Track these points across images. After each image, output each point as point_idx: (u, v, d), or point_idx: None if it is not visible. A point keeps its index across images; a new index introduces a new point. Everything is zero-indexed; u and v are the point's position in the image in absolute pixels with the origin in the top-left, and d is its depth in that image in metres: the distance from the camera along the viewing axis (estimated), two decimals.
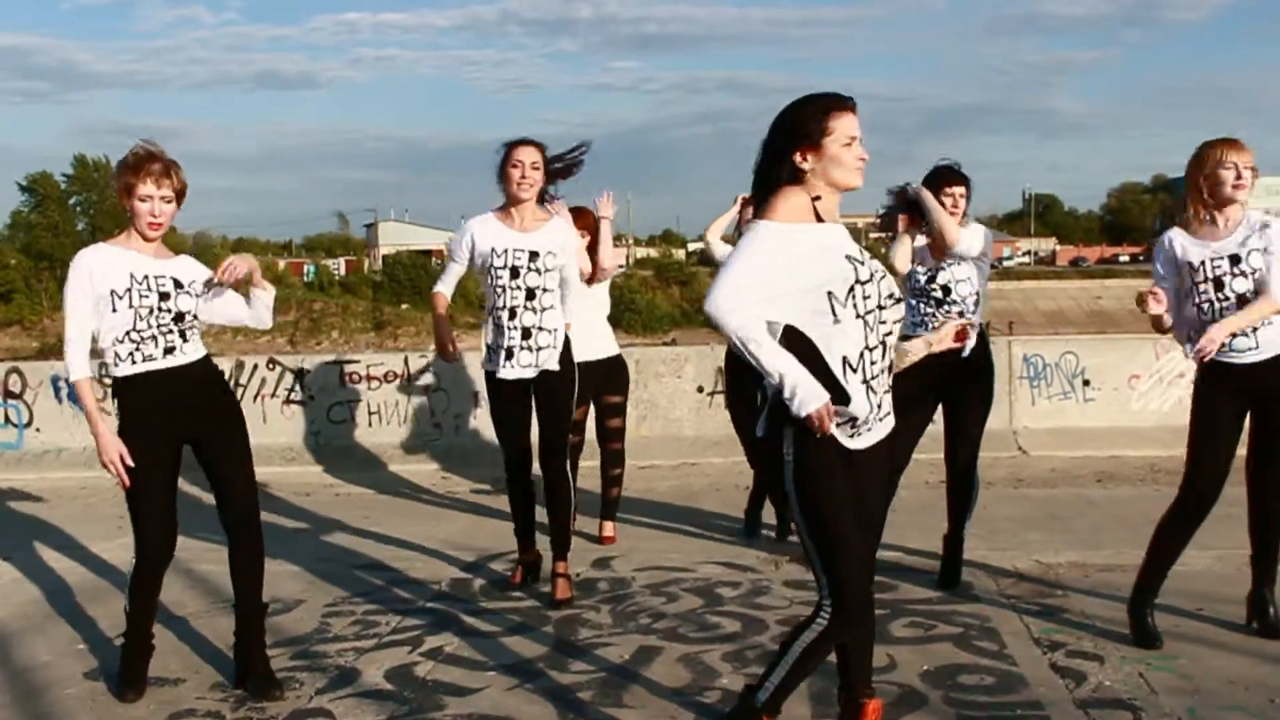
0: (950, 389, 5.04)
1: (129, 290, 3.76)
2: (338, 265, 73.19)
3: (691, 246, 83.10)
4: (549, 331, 4.89)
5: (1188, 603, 4.61)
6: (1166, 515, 4.35)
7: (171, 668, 4.27)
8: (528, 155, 4.81)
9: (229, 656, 4.37)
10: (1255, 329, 4.17)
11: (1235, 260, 4.14)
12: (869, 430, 3.03)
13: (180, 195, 3.86)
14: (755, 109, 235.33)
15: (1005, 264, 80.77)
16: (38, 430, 9.06)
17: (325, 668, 4.21)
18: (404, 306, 57.10)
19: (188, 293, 3.88)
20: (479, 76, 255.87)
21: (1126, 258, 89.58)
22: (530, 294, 4.83)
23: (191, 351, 3.90)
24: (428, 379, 8.97)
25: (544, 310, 4.88)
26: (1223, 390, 4.28)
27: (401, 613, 4.88)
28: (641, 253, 79.33)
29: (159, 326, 3.81)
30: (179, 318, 3.85)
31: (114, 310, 3.77)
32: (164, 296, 3.81)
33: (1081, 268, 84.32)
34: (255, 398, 9.00)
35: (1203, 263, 4.18)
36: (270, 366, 9.15)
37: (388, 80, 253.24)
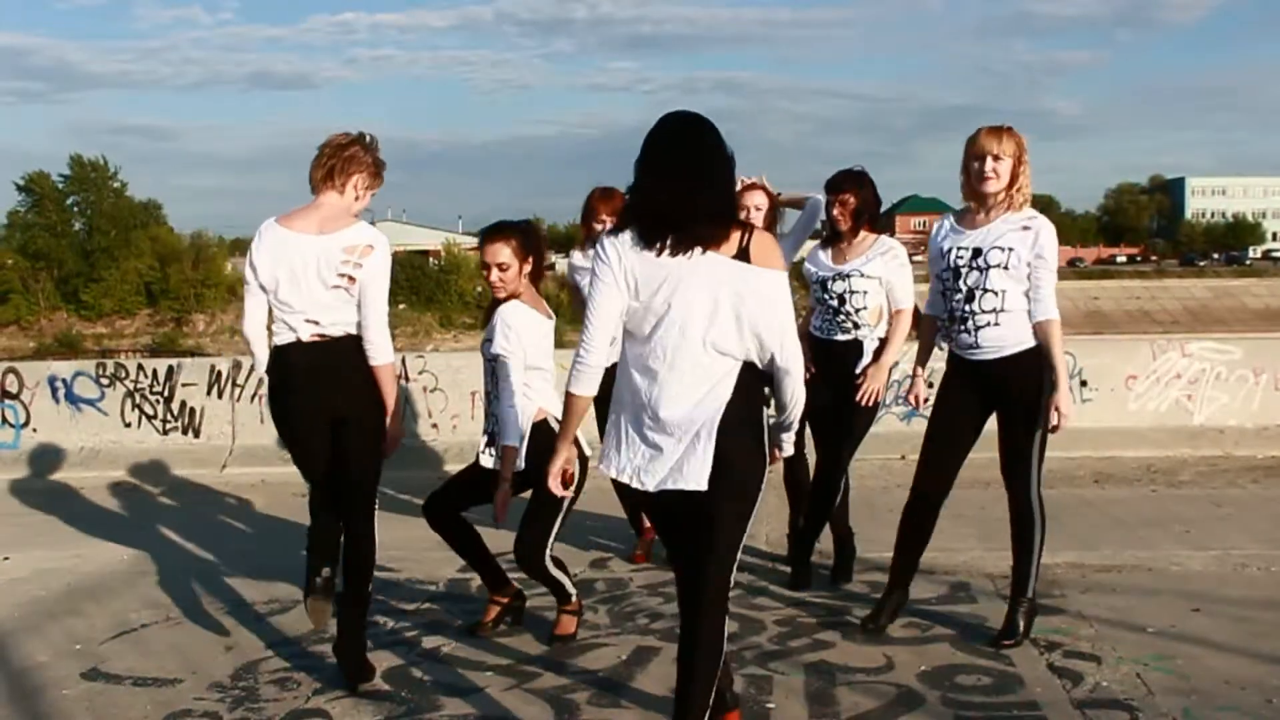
0: (842, 401, 5.07)
1: None
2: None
3: None
4: None
5: (1184, 603, 4.62)
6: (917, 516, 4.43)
7: (169, 668, 4.27)
8: (494, 256, 4.31)
9: (226, 656, 4.38)
10: (978, 328, 4.14)
11: (976, 254, 4.14)
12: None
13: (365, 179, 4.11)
14: (751, 109, 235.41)
15: None
16: (34, 430, 9.04)
17: (323, 668, 4.21)
18: (401, 306, 57.01)
19: None
20: (475, 77, 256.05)
21: (1124, 258, 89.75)
22: None
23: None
24: (425, 380, 8.97)
25: None
26: (959, 387, 4.29)
27: (399, 613, 4.88)
28: None
29: None
30: None
31: None
32: None
33: (1078, 268, 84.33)
34: (253, 398, 8.98)
35: (949, 250, 4.19)
36: None
37: (384, 81, 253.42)
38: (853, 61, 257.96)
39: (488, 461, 4.38)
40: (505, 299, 4.34)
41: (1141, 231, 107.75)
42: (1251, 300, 68.75)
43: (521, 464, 4.25)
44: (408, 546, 6.08)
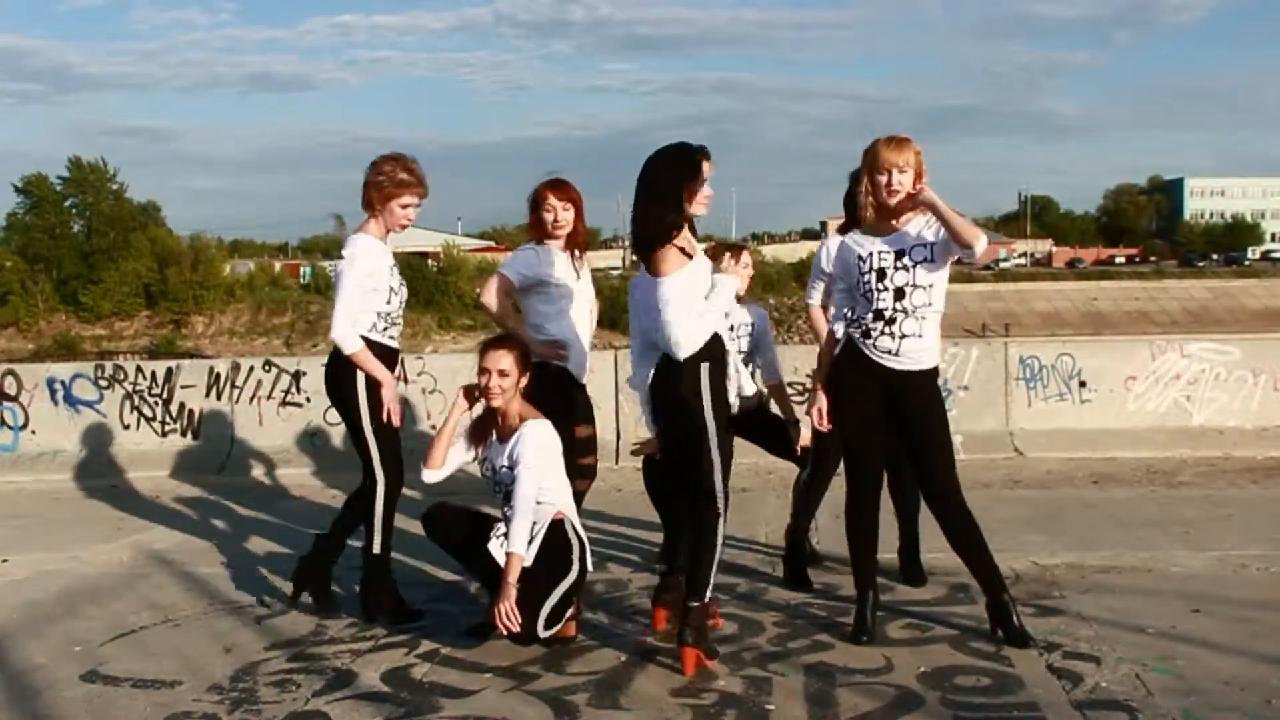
0: None
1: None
2: (335, 267, 73.06)
3: None
4: None
5: (1184, 603, 4.62)
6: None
7: (168, 669, 4.26)
8: (497, 362, 4.41)
9: (226, 658, 4.38)
10: (904, 335, 4.20)
11: (899, 254, 4.20)
12: None
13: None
14: (749, 111, 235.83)
15: (1002, 266, 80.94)
16: (33, 433, 9.04)
17: (322, 670, 4.21)
18: None
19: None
20: (473, 79, 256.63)
21: (1123, 259, 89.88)
22: None
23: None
24: (424, 381, 8.98)
25: None
26: (860, 388, 4.32)
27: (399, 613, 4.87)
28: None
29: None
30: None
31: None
32: None
33: (1078, 269, 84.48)
34: (251, 399, 9.00)
35: (870, 254, 4.23)
36: (266, 368, 9.15)
37: (382, 82, 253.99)
38: (852, 62, 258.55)
39: (496, 550, 4.36)
40: (501, 409, 4.43)
41: (1140, 232, 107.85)
42: (1250, 301, 68.84)
43: (531, 558, 4.27)
44: (407, 548, 6.08)
